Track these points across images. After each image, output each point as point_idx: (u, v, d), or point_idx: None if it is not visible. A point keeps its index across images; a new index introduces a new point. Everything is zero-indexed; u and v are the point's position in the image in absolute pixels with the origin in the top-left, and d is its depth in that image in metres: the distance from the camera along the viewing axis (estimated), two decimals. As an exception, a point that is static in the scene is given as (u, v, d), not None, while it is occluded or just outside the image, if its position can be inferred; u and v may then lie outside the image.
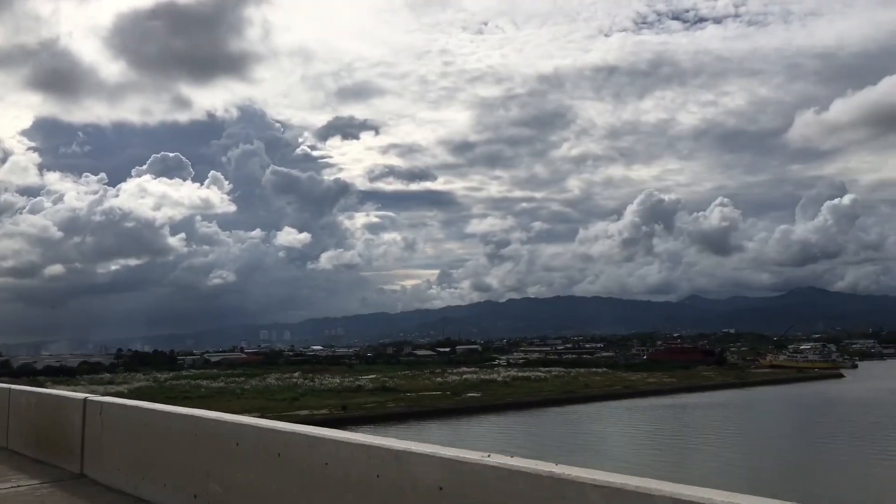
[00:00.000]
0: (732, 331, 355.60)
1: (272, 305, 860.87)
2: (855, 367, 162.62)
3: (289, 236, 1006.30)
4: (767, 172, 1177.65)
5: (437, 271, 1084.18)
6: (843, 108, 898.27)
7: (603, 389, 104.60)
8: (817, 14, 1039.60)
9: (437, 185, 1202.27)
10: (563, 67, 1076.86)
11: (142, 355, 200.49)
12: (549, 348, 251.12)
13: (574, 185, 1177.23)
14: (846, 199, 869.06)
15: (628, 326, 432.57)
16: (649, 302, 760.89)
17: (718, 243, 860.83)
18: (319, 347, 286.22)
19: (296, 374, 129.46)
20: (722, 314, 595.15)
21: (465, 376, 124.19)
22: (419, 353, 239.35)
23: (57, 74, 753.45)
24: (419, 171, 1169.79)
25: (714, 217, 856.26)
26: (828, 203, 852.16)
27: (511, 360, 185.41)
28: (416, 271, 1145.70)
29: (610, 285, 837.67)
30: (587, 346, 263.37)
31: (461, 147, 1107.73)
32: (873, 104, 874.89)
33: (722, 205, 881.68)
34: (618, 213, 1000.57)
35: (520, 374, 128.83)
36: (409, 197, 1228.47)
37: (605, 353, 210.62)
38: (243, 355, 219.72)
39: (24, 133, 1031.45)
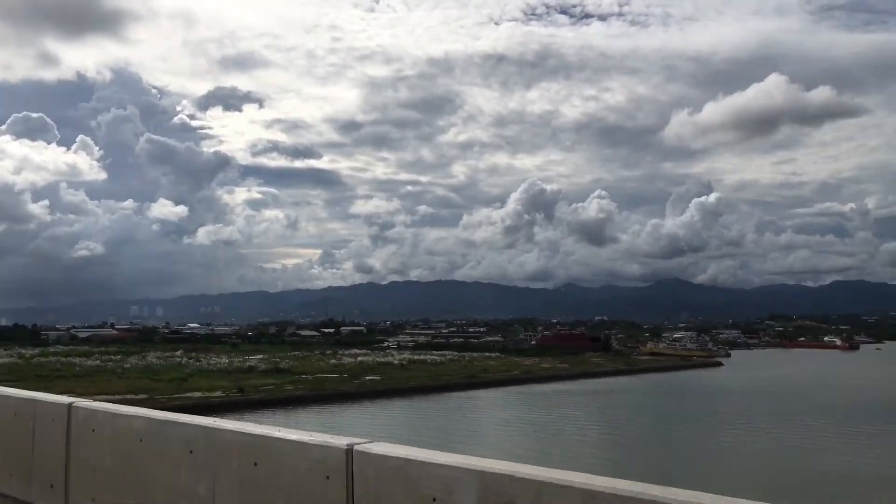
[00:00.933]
0: (606, 318, 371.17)
1: (144, 280, 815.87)
2: (728, 355, 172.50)
3: (164, 209, 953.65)
4: (642, 168, 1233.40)
5: (319, 251, 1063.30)
6: (714, 110, 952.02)
7: (503, 374, 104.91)
8: (694, 19, 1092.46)
9: (322, 163, 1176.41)
10: (454, 52, 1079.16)
11: (1, 329, 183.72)
12: (433, 331, 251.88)
13: (460, 170, 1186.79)
14: (712, 198, 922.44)
15: (509, 311, 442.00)
16: (528, 288, 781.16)
17: (595, 234, 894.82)
18: (196, 325, 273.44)
19: (177, 353, 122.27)
20: (596, 302, 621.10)
21: (359, 358, 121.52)
22: (303, 333, 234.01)
23: None
24: (304, 149, 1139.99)
25: (592, 208, 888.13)
26: (695, 200, 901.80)
27: (401, 343, 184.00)
28: (297, 250, 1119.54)
29: (491, 271, 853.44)
30: (471, 329, 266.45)
31: (348, 126, 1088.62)
32: (741, 109, 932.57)
33: (599, 197, 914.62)
34: (501, 200, 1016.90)
35: (415, 357, 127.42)
36: (292, 174, 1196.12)
37: (491, 338, 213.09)
38: (114, 331, 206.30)
39: None
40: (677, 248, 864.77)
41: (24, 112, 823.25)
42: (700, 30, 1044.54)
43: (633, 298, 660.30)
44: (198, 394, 71.00)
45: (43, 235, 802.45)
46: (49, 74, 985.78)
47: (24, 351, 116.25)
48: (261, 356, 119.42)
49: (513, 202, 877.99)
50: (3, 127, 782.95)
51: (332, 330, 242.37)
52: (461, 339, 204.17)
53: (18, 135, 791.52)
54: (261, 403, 70.99)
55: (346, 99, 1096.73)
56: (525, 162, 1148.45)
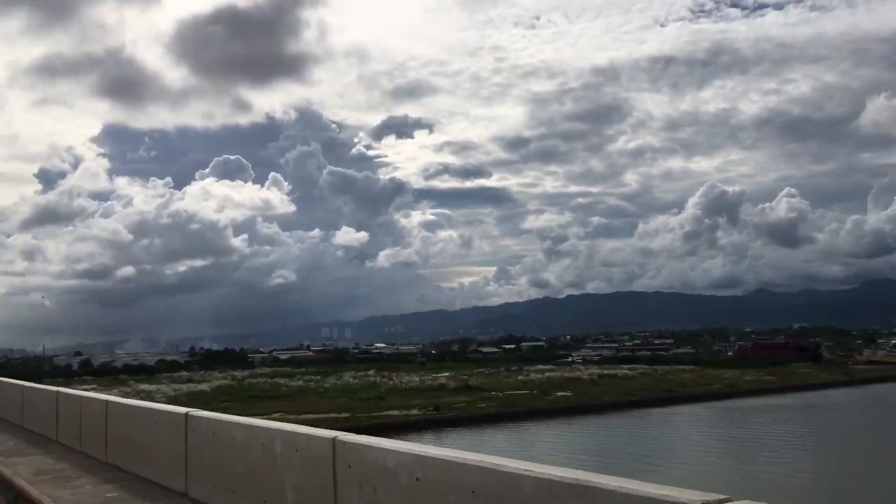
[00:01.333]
0: (806, 325, 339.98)
1: (333, 304, 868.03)
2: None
3: (347, 235, 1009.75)
4: (836, 161, 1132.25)
5: (494, 268, 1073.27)
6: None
7: (703, 389, 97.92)
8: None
9: (492, 181, 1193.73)
10: (618, 59, 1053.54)
11: (214, 353, 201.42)
12: (616, 344, 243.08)
13: (632, 178, 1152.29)
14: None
15: (694, 321, 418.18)
16: (714, 296, 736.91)
17: (786, 235, 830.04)
18: (383, 345, 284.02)
19: (370, 372, 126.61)
20: (792, 308, 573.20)
21: (546, 374, 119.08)
22: (484, 350, 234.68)
23: (123, 82, 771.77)
24: (473, 169, 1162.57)
25: (781, 208, 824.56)
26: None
27: (585, 357, 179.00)
28: (472, 268, 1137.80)
29: (672, 280, 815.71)
30: (656, 342, 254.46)
31: (515, 143, 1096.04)
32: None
33: (789, 195, 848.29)
34: (678, 206, 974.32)
35: (604, 371, 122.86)
36: (464, 194, 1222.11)
37: (681, 350, 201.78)
38: (310, 353, 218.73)
39: (94, 140, 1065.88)
40: (884, 245, 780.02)
41: (224, 155, 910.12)
42: (892, 8, 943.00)
43: (835, 303, 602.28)
44: (395, 412, 72.14)
45: (244, 266, 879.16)
46: (243, 119, 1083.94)
47: (234, 373, 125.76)
48: (447, 374, 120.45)
49: (691, 207, 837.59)
50: (207, 170, 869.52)
51: (512, 346, 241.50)
52: (648, 352, 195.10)
53: (220, 176, 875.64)
54: (455, 421, 70.78)
55: (512, 116, 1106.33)
56: (702, 164, 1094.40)
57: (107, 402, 11.21)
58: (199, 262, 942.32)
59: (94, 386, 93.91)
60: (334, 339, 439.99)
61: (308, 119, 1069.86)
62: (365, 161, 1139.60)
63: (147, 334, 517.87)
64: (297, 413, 64.62)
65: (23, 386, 18.28)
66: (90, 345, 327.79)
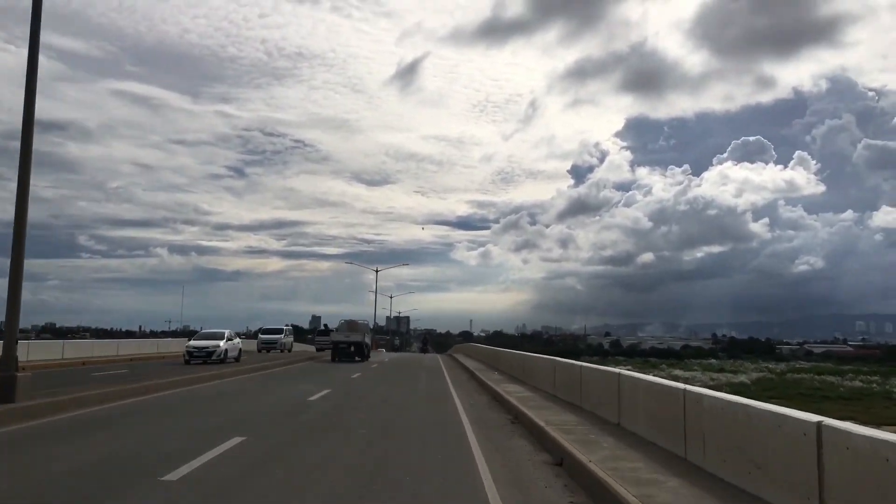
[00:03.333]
0: None
1: (868, 294, 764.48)
2: None
3: (887, 217, 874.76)
4: None
5: None
6: None
7: None
8: None
9: None
10: None
11: (738, 342, 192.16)
12: None
13: None
14: None
15: None
16: None
17: None
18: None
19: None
20: None
21: None
22: None
23: (644, 75, 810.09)
24: None
25: None
26: None
27: None
28: None
29: None
30: None
31: None
32: None
33: None
34: None
35: None
36: None
37: None
38: (849, 348, 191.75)
39: (617, 134, 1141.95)
40: None
41: (743, 137, 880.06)
42: None
43: None
44: None
45: (764, 252, 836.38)
46: (765, 97, 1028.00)
47: (768, 365, 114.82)
48: None
49: None
50: (725, 154, 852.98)
51: None
52: None
53: (738, 159, 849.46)
54: None
55: None
56: None
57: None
58: (716, 248, 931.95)
59: (630, 367, 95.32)
60: (870, 335, 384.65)
61: (840, 89, 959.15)
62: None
63: (666, 318, 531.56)
64: (869, 421, 52.95)
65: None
66: (615, 326, 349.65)
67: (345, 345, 47.41)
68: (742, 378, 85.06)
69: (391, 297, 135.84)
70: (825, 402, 67.78)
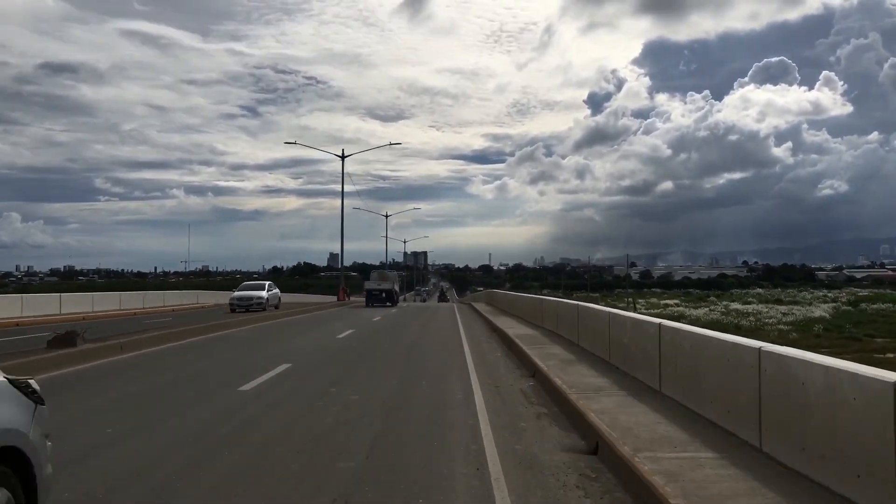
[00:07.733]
0: None
1: (894, 217, 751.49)
2: None
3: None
4: None
5: None
6: None
7: None
8: None
9: None
10: None
11: (773, 269, 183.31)
12: None
13: None
14: None
15: None
16: None
17: None
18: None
19: None
20: None
21: None
22: None
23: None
24: None
25: None
26: None
27: None
28: None
29: None
30: None
31: None
32: None
33: None
34: None
35: None
36: None
37: None
38: (888, 272, 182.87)
39: (635, 61, 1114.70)
40: None
41: (764, 59, 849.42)
42: None
43: None
44: None
45: (787, 177, 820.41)
46: (792, 14, 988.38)
47: (820, 293, 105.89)
48: None
49: None
50: (746, 78, 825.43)
51: None
52: None
53: (761, 82, 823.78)
54: None
55: None
56: None
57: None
58: (737, 175, 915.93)
59: (678, 301, 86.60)
60: (895, 257, 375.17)
61: (865, 8, 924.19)
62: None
63: (687, 247, 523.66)
64: None
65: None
66: (635, 256, 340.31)
67: (377, 292, 52.25)
68: (818, 312, 75.24)
69: (405, 242, 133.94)
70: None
